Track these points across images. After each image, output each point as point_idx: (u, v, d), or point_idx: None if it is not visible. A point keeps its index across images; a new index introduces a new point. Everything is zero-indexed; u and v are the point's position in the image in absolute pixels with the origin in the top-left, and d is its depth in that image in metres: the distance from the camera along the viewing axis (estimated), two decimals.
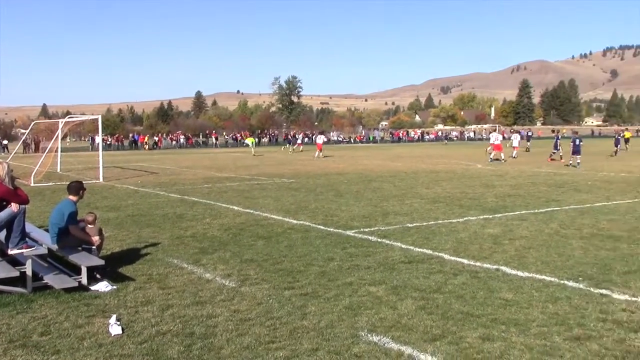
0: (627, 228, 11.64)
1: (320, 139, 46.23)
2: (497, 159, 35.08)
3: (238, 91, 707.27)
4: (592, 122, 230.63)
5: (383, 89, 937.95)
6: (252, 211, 14.50)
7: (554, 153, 35.34)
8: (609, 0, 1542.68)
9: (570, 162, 30.26)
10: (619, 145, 43.07)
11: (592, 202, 15.74)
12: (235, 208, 15.13)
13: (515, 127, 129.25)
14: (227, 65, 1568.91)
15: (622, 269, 8.30)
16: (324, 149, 45.44)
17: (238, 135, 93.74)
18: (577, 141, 30.54)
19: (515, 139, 41.28)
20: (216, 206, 15.60)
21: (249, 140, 56.87)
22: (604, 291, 7.25)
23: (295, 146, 58.56)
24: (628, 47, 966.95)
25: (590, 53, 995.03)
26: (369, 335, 5.85)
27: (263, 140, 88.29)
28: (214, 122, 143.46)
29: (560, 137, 38.17)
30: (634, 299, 6.94)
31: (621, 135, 49.83)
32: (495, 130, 61.36)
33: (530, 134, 57.65)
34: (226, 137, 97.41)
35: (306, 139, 74.33)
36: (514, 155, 38.58)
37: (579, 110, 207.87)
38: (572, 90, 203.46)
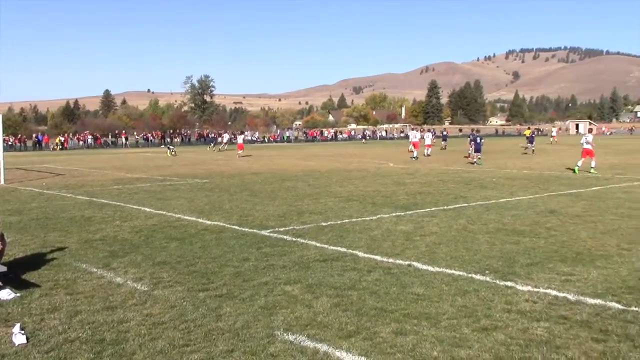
0: (529, 222, 12.22)
1: (241, 139, 47.92)
2: (416, 157, 36.65)
3: (149, 90, 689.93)
4: (497, 121, 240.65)
5: (296, 89, 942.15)
6: (164, 212, 14.19)
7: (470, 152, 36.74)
8: (511, 5, 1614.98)
9: (475, 160, 31.55)
10: (533, 142, 45.35)
11: (496, 198, 16.41)
12: (147, 210, 14.76)
13: (425, 126, 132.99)
14: (137, 63, 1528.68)
15: (525, 262, 8.71)
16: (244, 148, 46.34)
17: (149, 135, 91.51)
18: (478, 139, 32.04)
19: (428, 137, 42.68)
20: (127, 208, 15.16)
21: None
22: (508, 283, 7.58)
23: (222, 145, 58.72)
24: (528, 51, 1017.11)
25: (494, 55, 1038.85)
26: (284, 334, 5.85)
27: (175, 140, 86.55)
28: (123, 121, 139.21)
29: (530, 133, 41.11)
30: (536, 289, 7.29)
31: (534, 133, 52.29)
32: (414, 129, 63.63)
33: (445, 133, 59.71)
34: (137, 137, 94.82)
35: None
36: (427, 153, 39.84)
37: (484, 110, 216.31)
38: (478, 91, 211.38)
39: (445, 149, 50.78)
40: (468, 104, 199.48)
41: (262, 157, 42.70)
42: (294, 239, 10.59)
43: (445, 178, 22.88)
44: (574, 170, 25.07)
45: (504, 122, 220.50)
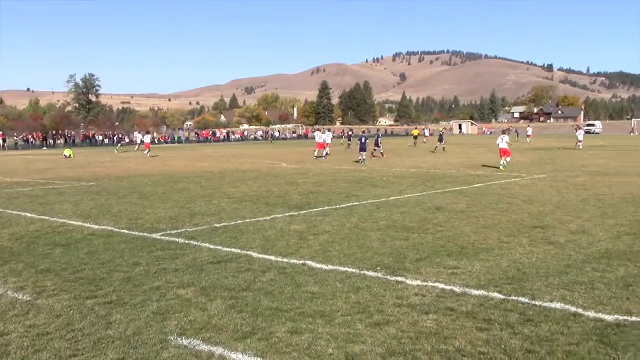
0: (417, 219, 12.67)
1: (148, 138, 49.09)
2: (321, 156, 37.49)
3: (28, 89, 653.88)
4: (385, 121, 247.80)
5: (187, 89, 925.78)
6: (47, 218, 13.47)
7: (375, 150, 38.22)
8: (397, 9, 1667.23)
9: (374, 156, 32.58)
10: (442, 141, 48.02)
11: (387, 196, 16.88)
12: (28, 215, 13.95)
13: (322, 126, 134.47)
14: (15, 60, 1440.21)
15: (414, 257, 9.02)
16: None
17: (30, 136, 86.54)
18: (363, 139, 33.21)
19: (328, 136, 43.63)
20: (5, 214, 14.25)
21: (67, 152, 52.10)
22: (399, 278, 7.81)
23: (137, 147, 57.70)
24: (414, 53, 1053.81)
25: (382, 58, 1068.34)
26: (178, 338, 5.73)
27: (58, 141, 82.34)
28: (0, 122, 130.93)
29: (380, 135, 41.92)
30: (424, 283, 7.57)
31: (443, 132, 54.67)
32: (319, 130, 64.89)
33: (351, 133, 61.68)
34: (16, 138, 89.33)
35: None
36: (326, 152, 40.53)
37: (374, 110, 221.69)
38: (367, 92, 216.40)
39: (350, 147, 51.84)
40: (358, 104, 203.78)
41: (153, 159, 41.56)
42: (186, 242, 10.38)
43: (337, 177, 23.25)
44: (499, 168, 26.45)
45: (392, 122, 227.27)
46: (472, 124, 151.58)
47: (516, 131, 79.35)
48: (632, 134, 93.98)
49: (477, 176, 23.15)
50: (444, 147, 47.11)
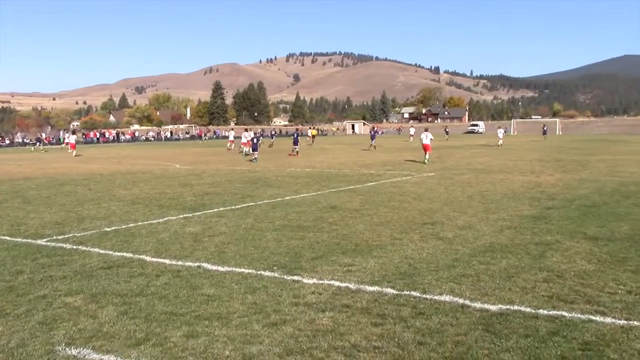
0: (313, 218, 12.80)
1: (72, 138, 49.94)
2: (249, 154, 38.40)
3: None
4: (280, 122, 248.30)
5: (73, 88, 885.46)
6: None
7: (294, 148, 40.90)
8: (290, 10, 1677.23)
9: (254, 157, 33.21)
10: (373, 141, 50.21)
11: (282, 196, 16.94)
12: None
13: (238, 125, 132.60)
14: None
15: (310, 256, 9.10)
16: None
17: None
18: (255, 140, 34.64)
19: (246, 137, 44.48)
20: None
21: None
22: (295, 277, 7.86)
23: (64, 145, 57.71)
24: (307, 54, 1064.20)
25: (276, 58, 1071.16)
26: (67, 348, 5.47)
27: None
28: None
29: (299, 134, 44.40)
30: (321, 281, 7.66)
31: (375, 131, 56.07)
32: (232, 129, 66.29)
33: (274, 132, 64.41)
34: None
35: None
36: (245, 152, 40.98)
37: (268, 111, 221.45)
38: (261, 92, 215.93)
39: (272, 146, 53.01)
40: (252, 104, 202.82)
41: (36, 160, 39.42)
42: (74, 247, 9.93)
43: (232, 178, 23.06)
44: (424, 162, 29.83)
45: (287, 123, 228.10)
46: (364, 124, 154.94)
47: (446, 131, 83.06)
48: (509, 133, 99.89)
49: (370, 175, 23.71)
50: (374, 147, 49.41)
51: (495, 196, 16.23)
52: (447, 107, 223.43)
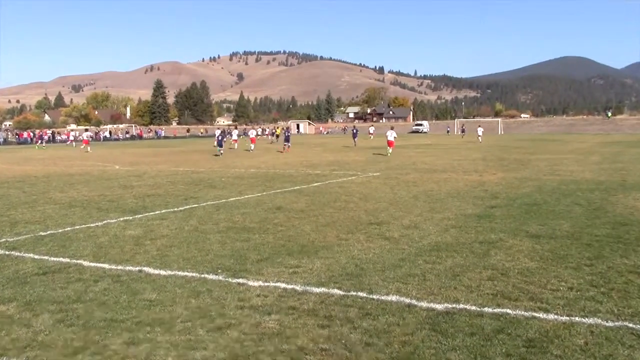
0: (258, 220, 12.72)
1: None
2: (231, 148, 43.16)
3: None
4: (223, 121, 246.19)
5: (6, 86, 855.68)
6: None
7: (285, 145, 45.31)
8: (233, 8, 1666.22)
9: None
10: (356, 139, 54.64)
11: (226, 197, 16.79)
12: None
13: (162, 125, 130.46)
14: None
15: (256, 258, 9.04)
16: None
17: None
18: (220, 137, 39.36)
19: (234, 133, 52.48)
20: None
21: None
22: (241, 280, 7.79)
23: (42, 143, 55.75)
24: (251, 53, 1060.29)
25: (219, 57, 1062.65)
26: None
27: None
28: None
29: (290, 132, 49.28)
30: (266, 284, 7.61)
31: (356, 129, 58.10)
32: (236, 127, 72.14)
33: (273, 131, 72.50)
34: None
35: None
36: (218, 149, 41.18)
37: (211, 110, 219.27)
38: (204, 91, 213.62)
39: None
40: (195, 104, 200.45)
41: None
42: (7, 253, 9.58)
43: (174, 179, 22.72)
44: (387, 155, 36.44)
45: (230, 122, 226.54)
46: (309, 123, 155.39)
47: (464, 127, 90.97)
48: (451, 133, 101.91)
49: (316, 175, 23.76)
50: (355, 144, 53.14)
51: (440, 195, 16.49)
52: (391, 107, 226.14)
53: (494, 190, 17.39)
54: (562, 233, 10.73)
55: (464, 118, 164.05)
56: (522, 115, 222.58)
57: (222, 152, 39.72)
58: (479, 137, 64.14)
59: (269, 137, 72.78)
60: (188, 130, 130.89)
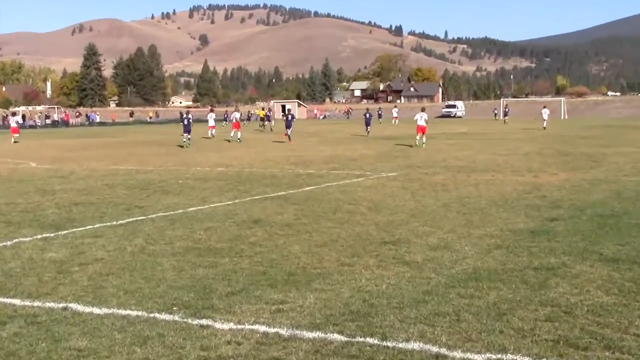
0: (228, 237, 12.72)
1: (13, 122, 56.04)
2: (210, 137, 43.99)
3: None
4: (180, 101, 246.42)
5: None
6: None
7: (287, 131, 46.97)
8: None
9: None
10: (369, 127, 55.97)
11: (184, 206, 16.78)
12: None
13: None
14: None
15: (225, 290, 9.02)
16: None
17: None
18: (186, 121, 42.20)
19: (211, 118, 55.34)
20: None
21: None
22: (204, 321, 7.78)
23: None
24: (219, 7, 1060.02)
25: (174, 13, 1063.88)
26: None
27: None
28: None
29: (293, 116, 51.19)
30: (240, 326, 7.60)
31: (369, 114, 59.25)
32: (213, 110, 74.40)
33: (269, 113, 75.81)
34: None
35: None
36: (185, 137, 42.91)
37: (164, 86, 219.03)
38: (154, 60, 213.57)
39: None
40: (141, 77, 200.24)
41: None
42: None
43: (113, 181, 22.70)
44: (415, 144, 38.51)
45: (190, 103, 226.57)
46: (299, 105, 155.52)
47: (507, 109, 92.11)
48: (498, 118, 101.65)
49: (308, 176, 23.75)
50: (368, 132, 55.02)
51: (479, 204, 16.51)
52: (413, 82, 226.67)
53: (554, 197, 17.42)
54: None
55: (513, 97, 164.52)
56: (605, 94, 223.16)
57: (189, 138, 41.17)
58: (544, 122, 64.57)
59: (265, 122, 74.43)
60: (132, 114, 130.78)
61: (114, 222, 14.53)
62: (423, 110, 41.72)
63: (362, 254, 11.14)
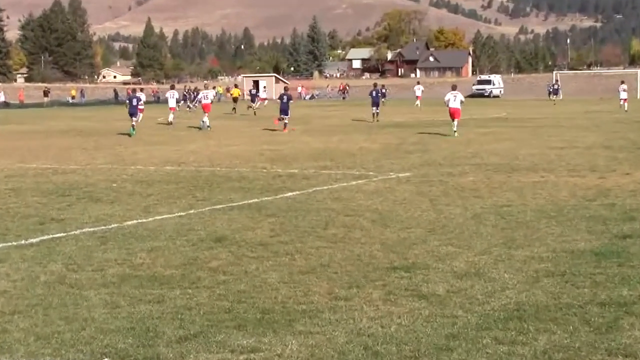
0: (180, 261, 12.69)
1: None
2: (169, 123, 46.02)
3: None
4: (115, 76, 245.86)
5: None
6: None
7: (282, 118, 48.50)
8: None
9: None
10: (377, 109, 57.71)
11: (120, 219, 16.77)
12: None
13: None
14: None
15: (175, 334, 8.98)
16: None
17: None
18: (134, 100, 44.37)
19: (172, 97, 56.28)
20: None
21: None
22: None
23: None
24: None
25: None
26: None
27: None
28: None
29: (290, 98, 51.90)
30: None
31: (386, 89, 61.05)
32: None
33: (254, 92, 77.96)
34: None
35: None
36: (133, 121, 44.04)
37: (92, 55, 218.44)
38: (78, 18, 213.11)
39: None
40: (59, 43, 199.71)
41: None
42: None
43: (20, 185, 22.62)
44: (453, 135, 40.48)
45: (128, 78, 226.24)
46: (278, 80, 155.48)
47: (556, 86, 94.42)
48: (554, 97, 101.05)
49: (290, 178, 23.73)
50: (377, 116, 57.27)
51: (524, 215, 16.55)
52: (433, 49, 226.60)
53: (627, 206, 17.48)
54: None
55: (571, 69, 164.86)
56: None
57: (135, 122, 43.42)
58: (622, 102, 65.09)
59: (254, 104, 75.34)
60: (47, 93, 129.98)
61: (23, 242, 14.47)
62: (455, 88, 43.25)
63: (364, 284, 11.14)
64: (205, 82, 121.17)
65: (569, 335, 8.82)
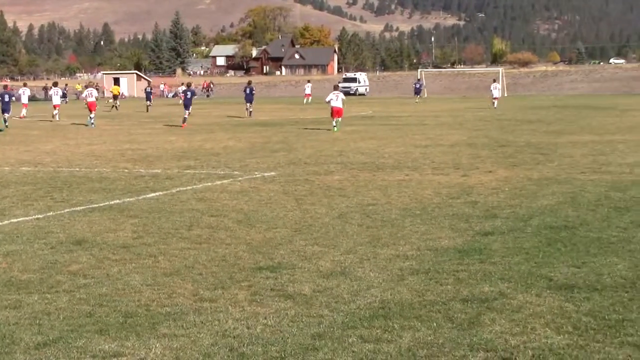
0: (39, 265, 12.52)
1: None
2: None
3: None
4: None
5: None
6: None
7: (248, 106, 51.43)
8: None
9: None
10: (250, 104, 58.70)
11: None
12: None
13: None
14: None
15: (33, 340, 8.83)
16: None
17: None
18: (59, 92, 44.80)
19: (56, 94, 57.43)
20: None
21: None
22: None
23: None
24: None
25: None
26: None
27: None
28: None
29: (253, 88, 55.78)
30: None
31: (421, 84, 61.35)
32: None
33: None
34: None
35: None
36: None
37: None
38: None
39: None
40: None
41: None
42: None
43: None
44: (333, 130, 43.12)
45: None
46: (139, 77, 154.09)
47: (418, 85, 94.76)
48: (417, 97, 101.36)
49: (153, 178, 23.58)
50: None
51: (389, 214, 16.76)
52: (298, 46, 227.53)
53: (489, 203, 17.84)
54: (614, 280, 11.08)
55: (435, 67, 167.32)
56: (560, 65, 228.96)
57: (7, 120, 42.74)
58: (494, 101, 67.62)
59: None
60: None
61: None
62: (336, 88, 46.48)
63: (229, 285, 11.18)
64: (90, 80, 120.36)
65: (433, 331, 9.00)
